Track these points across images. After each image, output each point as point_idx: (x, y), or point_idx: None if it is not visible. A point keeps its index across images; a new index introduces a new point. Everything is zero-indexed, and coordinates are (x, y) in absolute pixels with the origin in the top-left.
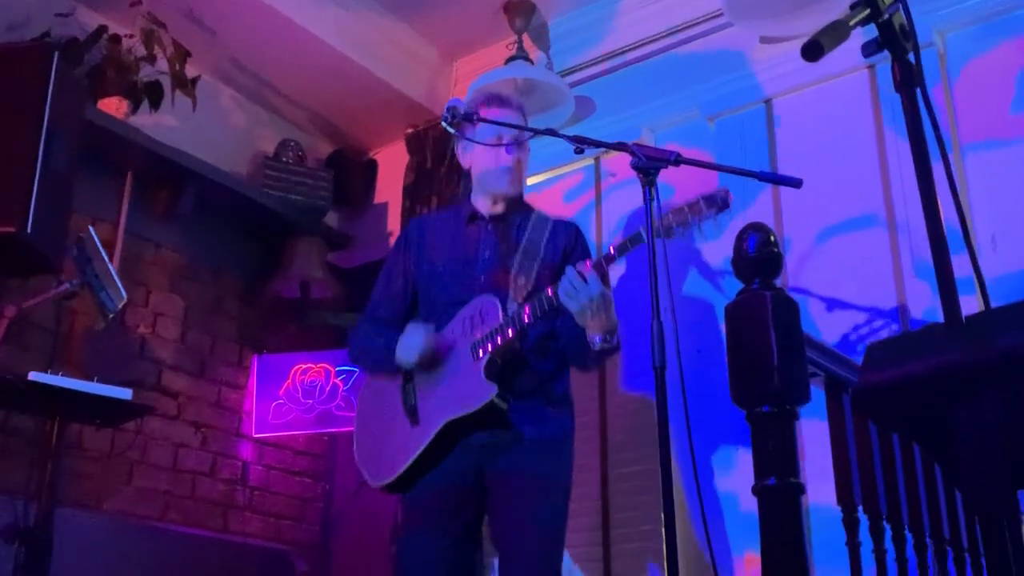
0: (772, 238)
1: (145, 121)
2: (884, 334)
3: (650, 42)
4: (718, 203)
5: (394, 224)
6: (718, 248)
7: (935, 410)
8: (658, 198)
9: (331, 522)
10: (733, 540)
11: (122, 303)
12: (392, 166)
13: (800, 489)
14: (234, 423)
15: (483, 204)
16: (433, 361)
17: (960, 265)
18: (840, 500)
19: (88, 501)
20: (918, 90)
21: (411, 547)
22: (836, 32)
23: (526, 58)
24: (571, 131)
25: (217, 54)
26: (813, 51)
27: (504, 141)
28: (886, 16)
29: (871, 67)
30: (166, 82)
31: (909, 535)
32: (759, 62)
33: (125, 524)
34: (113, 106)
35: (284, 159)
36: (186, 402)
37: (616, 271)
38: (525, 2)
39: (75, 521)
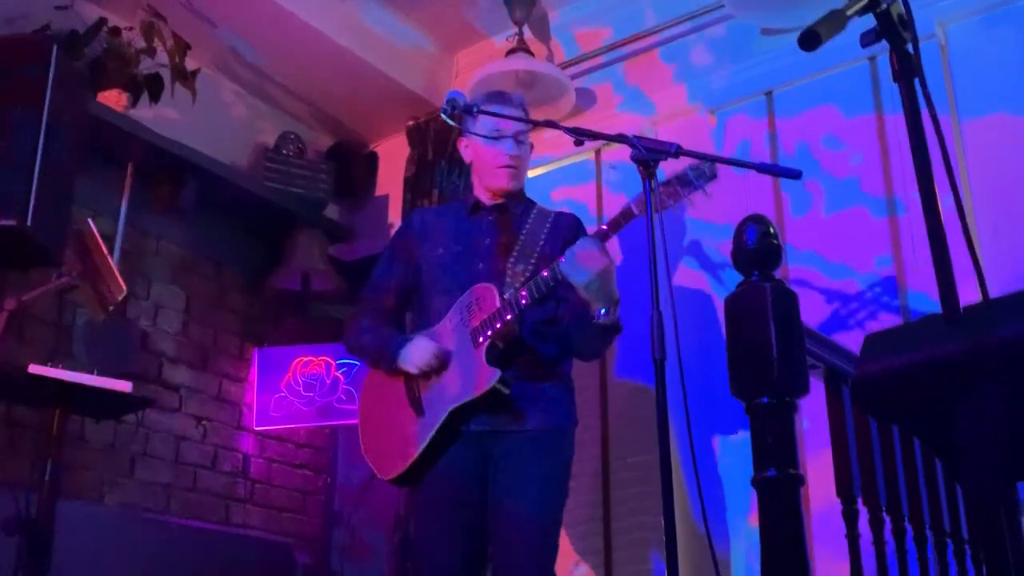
0: (771, 230)
1: (145, 114)
2: (883, 325)
3: (651, 33)
4: (705, 174)
5: (395, 217)
6: (718, 240)
7: (933, 401)
8: (658, 191)
9: (332, 515)
10: (733, 530)
11: (121, 295)
12: (393, 159)
13: (800, 480)
14: (235, 416)
15: (484, 197)
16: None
17: (959, 256)
18: (839, 492)
19: (90, 493)
20: (916, 81)
21: (425, 541)
22: (833, 21)
23: (527, 50)
24: (572, 123)
25: (217, 47)
26: (810, 40)
27: (504, 136)
28: (884, 6)
29: (872, 59)
30: (166, 75)
31: (909, 527)
32: (760, 53)
33: (127, 516)
34: (113, 99)
35: (284, 152)
36: (187, 395)
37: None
38: None
39: (77, 513)
